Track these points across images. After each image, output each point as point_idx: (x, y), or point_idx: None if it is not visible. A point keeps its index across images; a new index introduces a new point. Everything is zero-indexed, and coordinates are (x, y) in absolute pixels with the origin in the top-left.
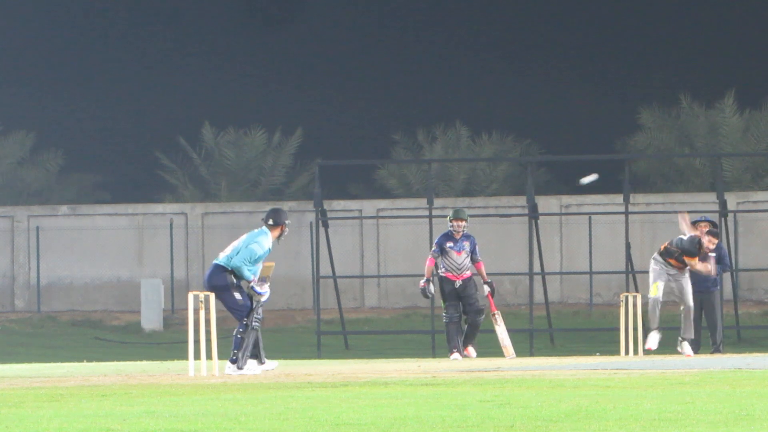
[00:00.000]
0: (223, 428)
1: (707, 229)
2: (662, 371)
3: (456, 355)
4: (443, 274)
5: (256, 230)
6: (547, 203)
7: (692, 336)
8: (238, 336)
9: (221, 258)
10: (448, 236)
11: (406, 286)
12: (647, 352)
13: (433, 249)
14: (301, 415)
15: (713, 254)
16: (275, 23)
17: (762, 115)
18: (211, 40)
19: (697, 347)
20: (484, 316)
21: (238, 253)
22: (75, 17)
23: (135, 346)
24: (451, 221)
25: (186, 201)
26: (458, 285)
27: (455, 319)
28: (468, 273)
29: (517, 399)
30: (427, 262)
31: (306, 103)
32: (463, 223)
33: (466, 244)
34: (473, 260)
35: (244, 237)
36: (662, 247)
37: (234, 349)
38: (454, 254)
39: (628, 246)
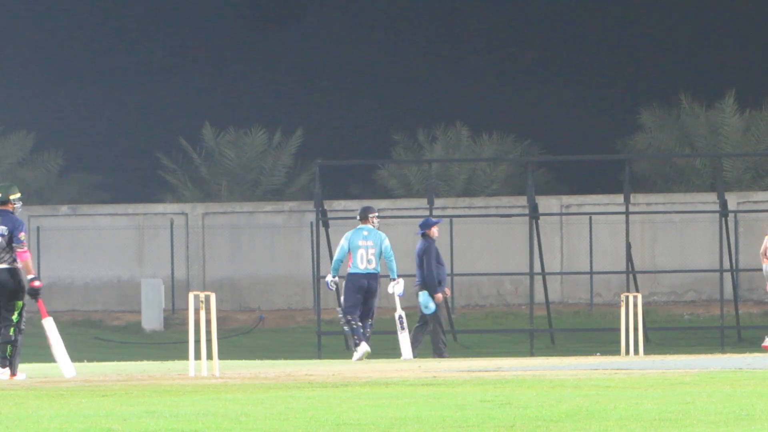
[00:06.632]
0: (223, 428)
1: None
2: (662, 371)
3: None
4: None
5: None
6: (547, 203)
7: None
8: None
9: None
10: None
11: (406, 287)
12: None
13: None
14: (301, 415)
15: None
16: (275, 23)
17: (762, 115)
18: (212, 40)
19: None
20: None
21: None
22: (75, 17)
23: (135, 346)
24: None
25: (186, 201)
26: None
27: None
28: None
29: (517, 399)
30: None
31: (306, 103)
32: None
33: None
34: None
35: (373, 242)
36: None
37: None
38: None
39: (628, 246)
